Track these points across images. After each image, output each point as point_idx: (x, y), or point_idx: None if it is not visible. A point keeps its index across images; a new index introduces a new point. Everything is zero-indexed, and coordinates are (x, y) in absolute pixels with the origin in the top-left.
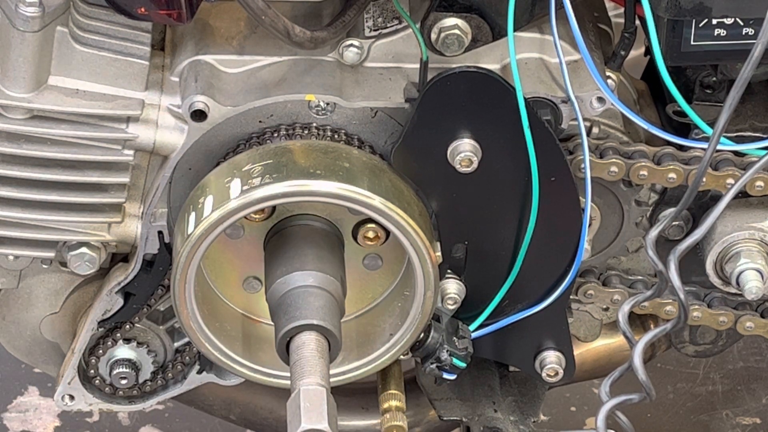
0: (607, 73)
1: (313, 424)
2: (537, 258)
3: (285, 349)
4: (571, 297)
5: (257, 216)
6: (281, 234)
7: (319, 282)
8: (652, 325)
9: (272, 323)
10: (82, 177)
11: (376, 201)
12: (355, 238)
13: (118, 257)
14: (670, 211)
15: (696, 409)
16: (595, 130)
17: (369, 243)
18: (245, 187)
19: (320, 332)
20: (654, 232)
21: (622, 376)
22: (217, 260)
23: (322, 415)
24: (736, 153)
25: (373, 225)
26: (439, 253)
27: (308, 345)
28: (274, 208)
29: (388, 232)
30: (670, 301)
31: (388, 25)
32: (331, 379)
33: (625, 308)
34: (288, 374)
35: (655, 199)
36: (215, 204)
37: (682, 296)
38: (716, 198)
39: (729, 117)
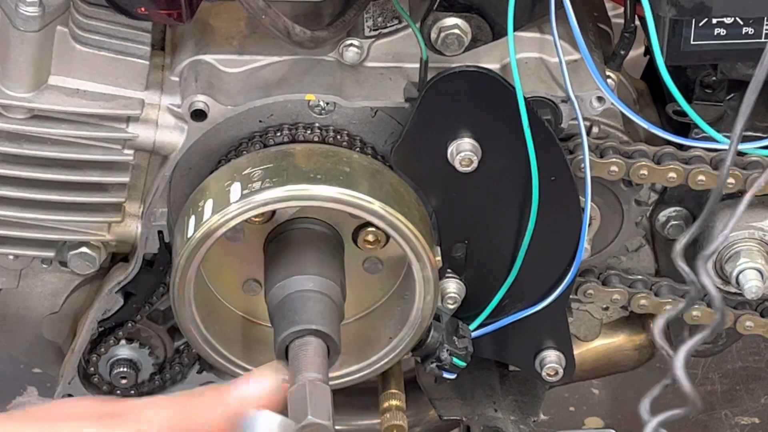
0: (607, 73)
1: (319, 419)
2: (537, 257)
3: (284, 354)
4: (570, 296)
5: (257, 219)
6: (281, 237)
7: (319, 286)
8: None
9: (272, 326)
10: (82, 177)
11: (376, 205)
12: (355, 242)
13: (118, 257)
14: (670, 210)
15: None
16: (595, 129)
17: (369, 246)
18: (245, 191)
19: (320, 337)
20: (680, 246)
21: (663, 392)
22: (217, 263)
23: (327, 411)
24: (737, 152)
25: (373, 229)
26: (439, 258)
27: (307, 349)
28: (274, 211)
29: (388, 236)
30: (670, 300)
31: (388, 24)
32: (331, 383)
33: (660, 322)
34: None
35: (655, 199)
36: (215, 208)
37: (718, 302)
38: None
39: (746, 121)
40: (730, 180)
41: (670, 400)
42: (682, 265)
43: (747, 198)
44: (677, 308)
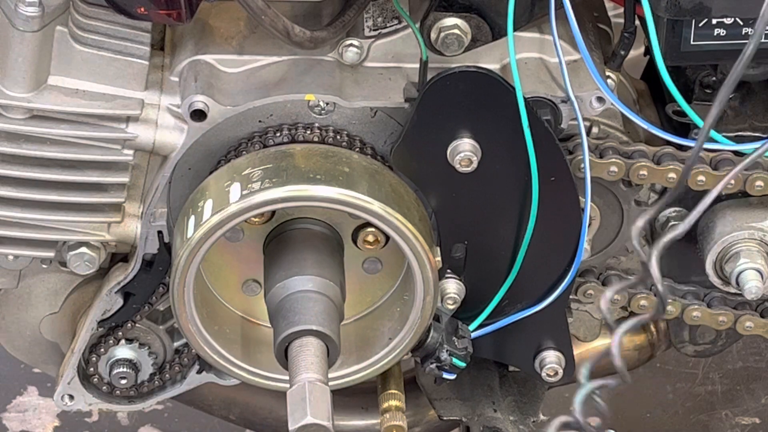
0: (607, 73)
1: (318, 419)
2: (537, 258)
3: (284, 355)
4: (570, 297)
5: (257, 219)
6: (281, 237)
7: (318, 287)
8: (652, 327)
9: (271, 326)
10: (81, 177)
11: (376, 206)
12: (354, 242)
13: (118, 257)
14: (670, 210)
15: (695, 409)
16: (594, 129)
17: (369, 247)
18: (245, 192)
19: (319, 338)
20: (640, 222)
21: (598, 361)
22: (217, 263)
23: (327, 412)
24: (736, 153)
25: (372, 229)
26: (438, 258)
27: (307, 350)
28: (273, 211)
29: (387, 237)
30: (670, 300)
31: (388, 24)
32: (330, 383)
33: (608, 294)
34: (287, 377)
35: (654, 199)
36: (215, 208)
37: (660, 287)
38: (717, 198)
39: (718, 114)
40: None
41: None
42: (636, 246)
43: (714, 192)
44: (627, 282)
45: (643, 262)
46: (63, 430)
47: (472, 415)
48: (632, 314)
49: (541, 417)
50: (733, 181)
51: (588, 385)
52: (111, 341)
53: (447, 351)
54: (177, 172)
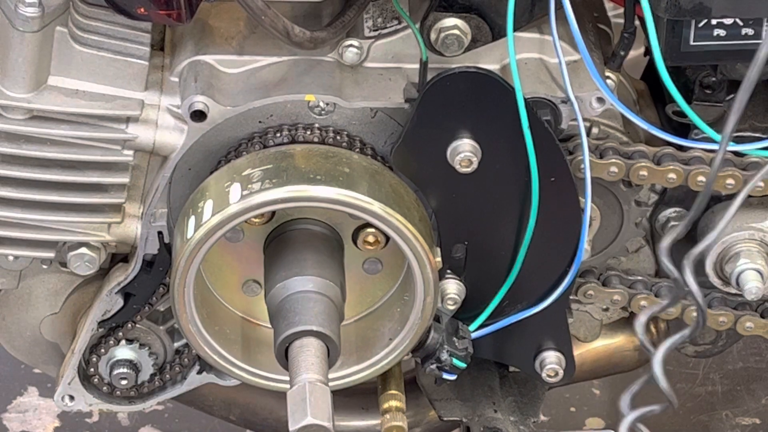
0: (607, 74)
1: (319, 420)
2: (537, 258)
3: (284, 355)
4: (570, 297)
5: (257, 220)
6: (281, 238)
7: (319, 287)
8: (653, 328)
9: (272, 326)
10: (81, 177)
11: (376, 206)
12: (355, 242)
13: (118, 257)
14: (670, 211)
15: (695, 409)
16: (594, 130)
17: (369, 247)
18: (245, 192)
19: (319, 338)
20: (667, 242)
21: (641, 388)
22: (217, 263)
23: (327, 413)
24: (736, 153)
25: (373, 229)
26: (439, 259)
27: (307, 350)
28: (273, 212)
29: (388, 237)
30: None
31: (388, 25)
32: (331, 384)
33: (642, 320)
34: (287, 377)
35: (654, 200)
36: (215, 208)
37: (701, 301)
38: (717, 198)
39: (737, 121)
40: (730, 181)
41: (653, 397)
42: (667, 264)
43: (739, 200)
44: (661, 305)
45: (677, 278)
46: (63, 430)
47: (472, 415)
48: (632, 314)
49: (542, 417)
50: (733, 182)
51: (632, 414)
52: (111, 342)
53: (447, 351)
54: (177, 172)
